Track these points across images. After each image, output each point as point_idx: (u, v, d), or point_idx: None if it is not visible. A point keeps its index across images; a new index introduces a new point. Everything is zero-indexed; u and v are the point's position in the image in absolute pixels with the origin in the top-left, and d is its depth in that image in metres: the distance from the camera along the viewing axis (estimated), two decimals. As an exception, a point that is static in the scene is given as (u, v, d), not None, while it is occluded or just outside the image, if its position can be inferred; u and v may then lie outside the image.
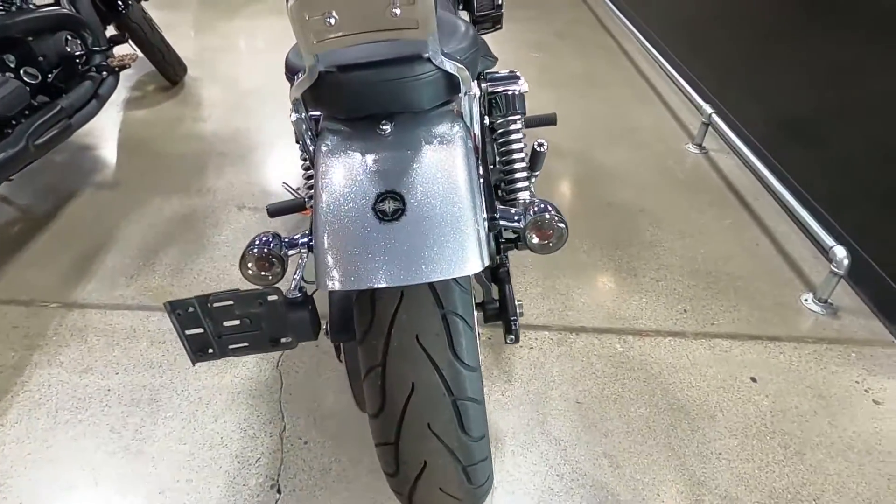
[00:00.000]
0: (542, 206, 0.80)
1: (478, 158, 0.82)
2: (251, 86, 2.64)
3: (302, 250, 0.83)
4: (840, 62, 1.83)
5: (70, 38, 1.73)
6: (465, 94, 0.77)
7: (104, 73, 1.79)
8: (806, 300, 1.72)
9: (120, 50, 2.06)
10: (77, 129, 1.69)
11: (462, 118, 0.79)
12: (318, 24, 0.66)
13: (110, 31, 2.10)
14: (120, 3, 2.07)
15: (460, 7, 1.53)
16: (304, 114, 0.80)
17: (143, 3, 2.26)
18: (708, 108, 2.37)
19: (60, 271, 1.62)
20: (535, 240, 0.79)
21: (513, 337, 0.98)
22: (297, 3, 0.64)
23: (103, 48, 1.82)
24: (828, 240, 1.70)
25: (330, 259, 0.71)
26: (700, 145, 2.45)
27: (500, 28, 1.63)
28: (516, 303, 1.01)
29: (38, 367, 1.36)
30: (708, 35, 2.63)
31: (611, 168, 2.28)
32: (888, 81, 1.63)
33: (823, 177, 1.89)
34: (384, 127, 0.74)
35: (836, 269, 1.64)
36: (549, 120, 1.54)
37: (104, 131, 2.25)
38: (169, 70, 2.38)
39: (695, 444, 1.30)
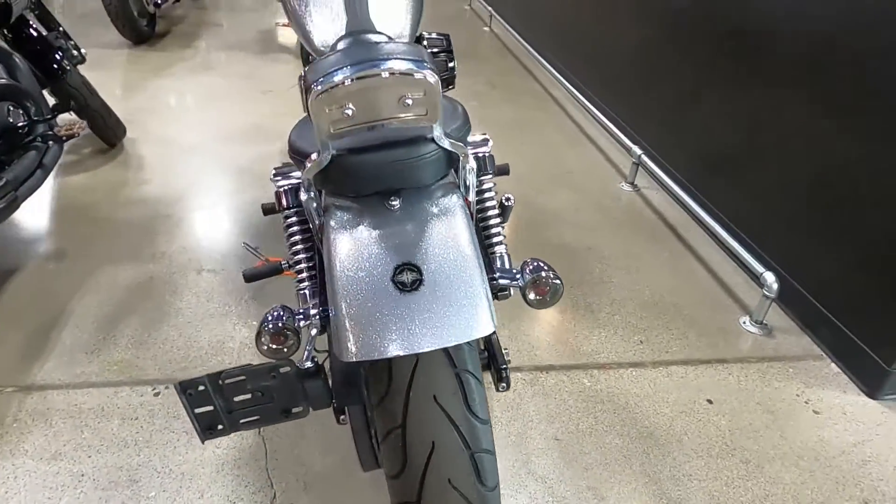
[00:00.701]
0: (537, 264, 0.88)
1: (476, 225, 0.89)
2: (189, 144, 2.62)
3: (314, 321, 0.86)
4: (755, 106, 2.06)
5: (11, 108, 1.68)
6: (463, 167, 0.85)
7: (49, 142, 1.74)
8: (744, 322, 1.88)
9: (63, 117, 2.01)
10: (23, 201, 1.63)
11: (458, 188, 0.86)
12: (337, 114, 0.71)
13: (52, 95, 2.04)
14: (58, 68, 2.03)
15: None
16: (313, 193, 0.84)
17: (78, 66, 2.22)
18: (637, 150, 2.58)
19: (13, 352, 1.53)
20: (533, 296, 0.86)
21: (504, 385, 1.04)
22: (318, 98, 0.69)
23: (47, 117, 1.77)
24: (758, 266, 1.88)
25: (351, 330, 0.75)
26: (632, 184, 2.64)
27: (453, 88, 1.73)
28: (503, 351, 1.07)
29: (1, 457, 1.28)
30: (632, 82, 2.86)
31: (554, 210, 2.42)
32: (797, 124, 1.86)
33: (747, 209, 2.09)
34: (393, 203, 0.80)
35: (767, 294, 1.82)
36: (504, 170, 1.65)
37: (41, 199, 2.17)
38: (109, 133, 2.33)
39: (668, 469, 1.39)
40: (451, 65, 1.63)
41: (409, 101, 0.72)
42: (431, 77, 0.70)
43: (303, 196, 0.84)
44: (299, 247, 1.15)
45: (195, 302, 1.74)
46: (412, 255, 0.76)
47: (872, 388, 1.65)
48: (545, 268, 0.86)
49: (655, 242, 2.26)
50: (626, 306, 1.91)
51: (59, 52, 2.07)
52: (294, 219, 1.15)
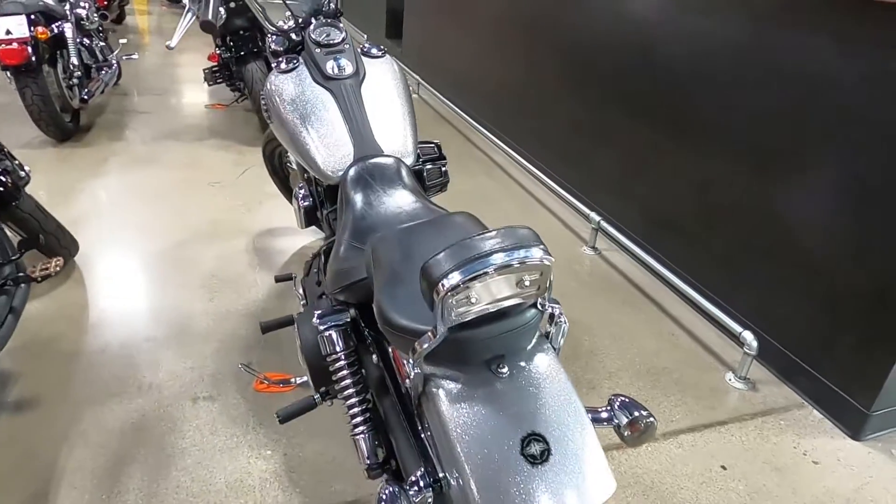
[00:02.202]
0: (624, 400, 0.92)
1: None
2: (147, 250, 2.50)
3: (426, 493, 0.85)
4: (707, 173, 2.25)
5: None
6: (557, 324, 0.88)
7: (21, 283, 1.60)
8: (730, 379, 2.02)
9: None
10: (-3, 353, 1.49)
11: (547, 342, 0.89)
12: (463, 303, 0.73)
13: (12, 228, 1.89)
14: (8, 195, 1.88)
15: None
16: (418, 369, 0.84)
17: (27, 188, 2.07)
18: (595, 216, 2.73)
19: (3, 531, 1.37)
20: (628, 433, 0.89)
21: None
22: (445, 290, 0.71)
23: (13, 258, 1.64)
24: (735, 326, 2.03)
25: (487, 510, 0.75)
26: (594, 247, 2.78)
27: (445, 191, 1.78)
28: None
29: None
30: (578, 148, 3.04)
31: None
32: (748, 186, 2.05)
33: (712, 269, 2.26)
34: (502, 370, 0.81)
35: (748, 351, 1.96)
36: None
37: (-9, 335, 1.97)
38: (64, 254, 2.17)
39: (708, 547, 1.45)
40: (444, 170, 1.68)
41: (528, 283, 0.75)
42: (549, 259, 0.74)
43: (412, 375, 0.84)
44: (351, 390, 1.14)
45: (199, 437, 1.63)
46: (535, 424, 0.78)
47: (855, 430, 1.81)
48: (636, 405, 0.91)
49: (630, 306, 2.38)
50: (623, 377, 2.00)
51: (6, 176, 1.93)
52: (344, 362, 1.14)
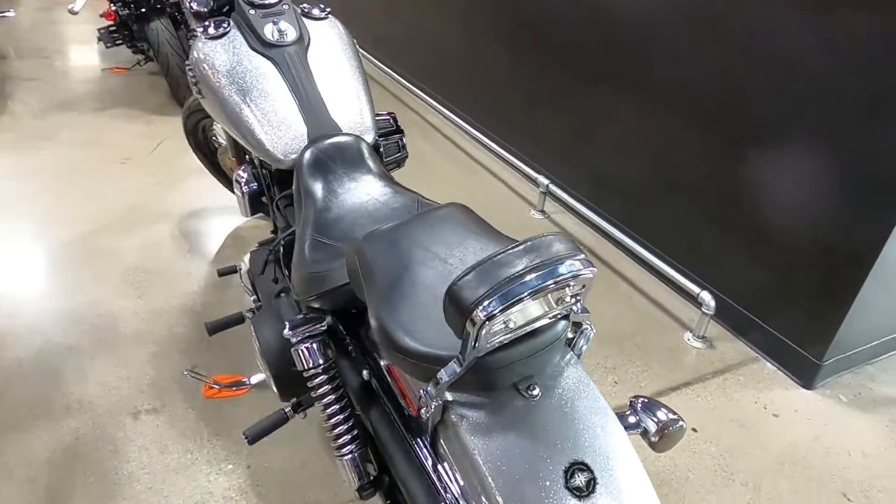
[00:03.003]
0: (647, 402, 0.86)
1: None
2: (60, 242, 2.20)
3: None
4: (658, 135, 2.22)
5: None
6: (583, 333, 0.80)
7: None
8: (688, 339, 2.05)
9: None
10: None
11: (570, 352, 0.81)
12: (500, 333, 0.63)
13: None
14: None
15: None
16: (441, 398, 0.72)
17: None
18: (544, 180, 2.66)
19: None
20: (657, 439, 0.84)
21: None
22: (482, 320, 0.60)
23: None
24: (693, 287, 2.05)
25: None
26: (542, 211, 2.73)
27: (402, 167, 1.64)
28: None
29: None
30: (520, 108, 2.94)
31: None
32: (698, 152, 2.04)
33: (663, 230, 2.27)
34: (533, 392, 0.72)
35: (706, 311, 1.99)
36: None
37: None
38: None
39: (691, 513, 1.47)
40: (402, 144, 1.54)
41: (569, 298, 0.65)
42: (593, 270, 0.65)
43: (431, 407, 0.73)
44: (335, 407, 1.02)
45: (147, 458, 1.46)
46: (577, 451, 0.69)
47: (807, 380, 1.89)
48: (661, 406, 0.85)
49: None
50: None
51: None
52: (324, 376, 1.02)
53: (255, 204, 1.51)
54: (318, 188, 1.18)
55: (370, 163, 1.24)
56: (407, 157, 1.59)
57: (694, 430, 1.71)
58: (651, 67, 2.16)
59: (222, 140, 2.17)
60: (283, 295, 1.33)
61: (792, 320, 1.90)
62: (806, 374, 1.89)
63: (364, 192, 1.18)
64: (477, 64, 3.20)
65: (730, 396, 1.83)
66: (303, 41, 1.37)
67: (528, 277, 0.60)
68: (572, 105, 2.59)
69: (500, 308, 0.59)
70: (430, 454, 0.85)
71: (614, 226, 2.42)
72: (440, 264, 0.81)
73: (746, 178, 1.91)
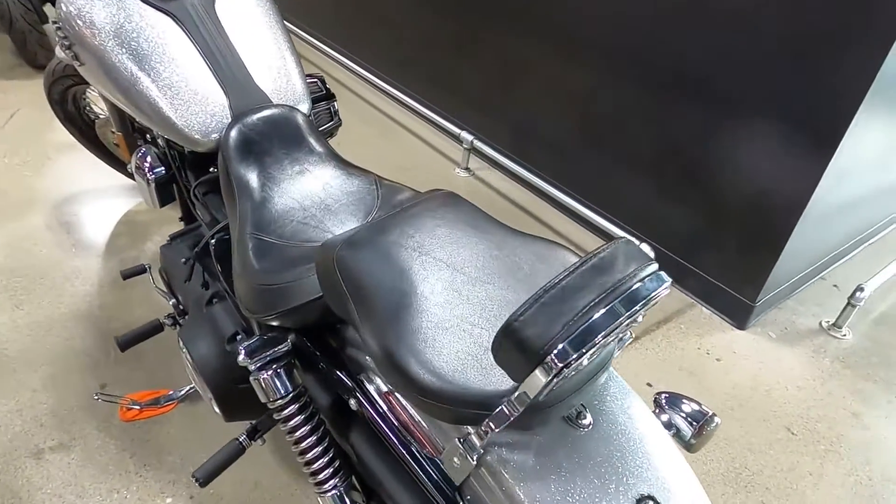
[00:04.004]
0: (670, 396, 0.79)
1: None
2: None
3: None
4: (580, 83, 2.14)
5: None
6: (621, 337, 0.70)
7: None
8: (629, 292, 2.06)
9: None
10: None
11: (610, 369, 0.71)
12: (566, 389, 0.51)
13: None
14: None
15: None
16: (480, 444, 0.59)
17: None
18: (468, 136, 2.53)
19: None
20: (694, 441, 0.77)
21: None
22: (559, 367, 0.47)
23: None
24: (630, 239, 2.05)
25: None
26: (467, 168, 2.61)
27: (334, 137, 1.44)
28: None
29: None
30: (441, 66, 2.76)
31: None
32: (623, 99, 1.99)
33: (594, 181, 2.23)
34: (584, 420, 0.61)
35: (646, 263, 2.00)
36: None
37: None
38: None
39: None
40: (334, 111, 1.35)
41: (641, 318, 0.54)
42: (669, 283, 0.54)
43: (473, 454, 0.59)
44: (312, 439, 0.87)
45: (62, 505, 1.23)
46: (641, 483, 0.60)
47: (741, 321, 1.96)
48: (690, 401, 0.78)
49: (516, 227, 2.29)
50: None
51: None
52: (293, 407, 0.86)
53: (166, 192, 1.26)
54: (252, 175, 0.98)
55: (312, 139, 1.05)
56: (340, 125, 1.39)
57: (649, 384, 1.72)
58: (568, 9, 2.06)
59: (100, 110, 1.82)
60: (215, 301, 1.12)
61: (725, 265, 1.95)
62: (740, 315, 1.96)
63: (311, 175, 0.99)
64: (382, 9, 2.94)
65: (675, 346, 1.87)
66: None
67: (609, 308, 0.49)
68: (490, 53, 2.45)
69: (582, 351, 0.47)
70: (448, 495, 0.73)
71: (544, 180, 2.36)
72: (449, 273, 0.67)
73: (675, 124, 1.90)
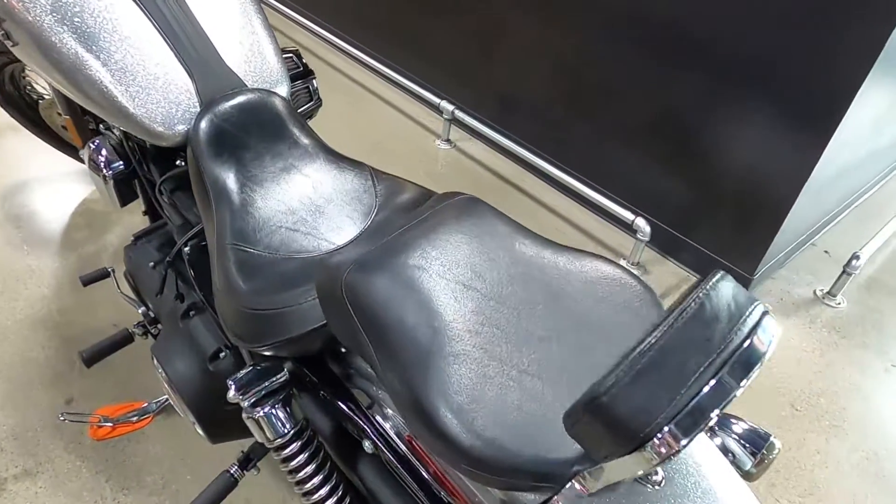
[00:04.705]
0: (730, 419, 0.71)
1: None
2: None
3: None
4: (569, 49, 2.01)
5: None
6: None
7: None
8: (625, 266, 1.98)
9: None
10: None
11: None
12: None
13: None
14: None
15: None
16: None
17: None
18: (449, 106, 2.39)
19: None
20: (755, 470, 0.69)
21: None
22: (666, 453, 0.38)
23: None
24: (627, 214, 1.96)
25: None
26: (448, 140, 2.48)
27: (313, 118, 1.30)
28: None
29: None
30: (415, 29, 2.58)
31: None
32: (616, 67, 1.88)
33: (584, 153, 2.13)
34: (656, 477, 0.52)
35: (641, 237, 1.93)
36: None
37: None
38: None
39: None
40: (314, 89, 1.21)
41: None
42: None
43: None
44: (318, 479, 0.77)
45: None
46: None
47: (738, 295, 1.91)
48: (745, 424, 0.70)
49: (506, 206, 2.19)
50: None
51: None
52: (295, 445, 0.75)
53: (127, 189, 1.11)
54: (229, 174, 0.84)
55: (295, 128, 0.91)
56: (321, 106, 1.25)
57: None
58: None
59: (44, 90, 1.62)
60: (192, 314, 1.00)
61: (723, 238, 1.89)
62: (737, 288, 1.91)
63: (297, 172, 0.87)
64: (349, -31, 2.73)
65: (674, 323, 1.81)
66: None
67: (722, 374, 0.39)
68: (468, 10, 2.29)
69: (697, 429, 0.38)
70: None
71: (531, 151, 2.24)
72: (484, 304, 0.56)
73: (671, 91, 1.80)
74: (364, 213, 0.84)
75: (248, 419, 0.73)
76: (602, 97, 1.99)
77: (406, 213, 0.83)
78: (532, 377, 0.51)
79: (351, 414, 0.74)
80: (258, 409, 0.72)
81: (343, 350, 0.76)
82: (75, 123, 1.41)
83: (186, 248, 0.93)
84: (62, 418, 1.24)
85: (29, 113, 1.71)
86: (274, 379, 0.74)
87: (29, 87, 1.65)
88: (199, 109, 0.90)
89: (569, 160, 2.17)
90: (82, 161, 1.53)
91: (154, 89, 0.89)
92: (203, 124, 0.86)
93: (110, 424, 1.28)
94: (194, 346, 0.97)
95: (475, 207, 0.66)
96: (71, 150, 1.80)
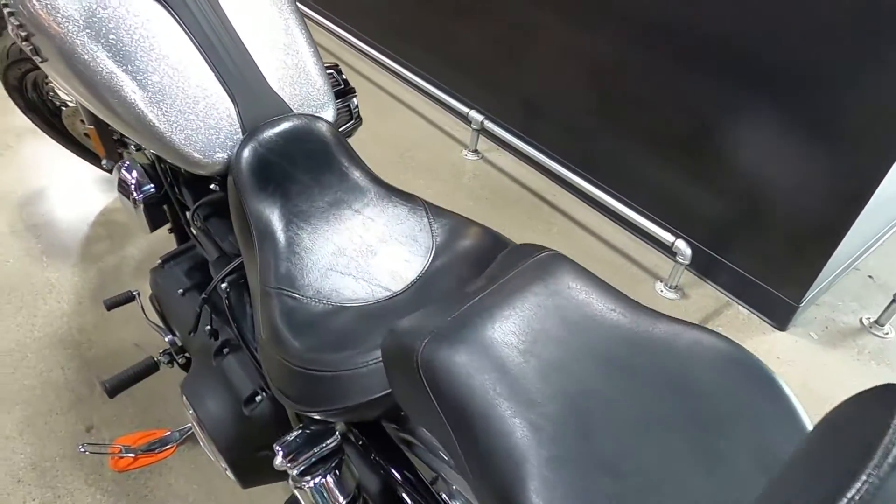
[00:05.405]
0: None
1: None
2: None
3: None
4: (602, 56, 1.93)
5: None
6: None
7: None
8: (661, 290, 1.91)
9: None
10: None
11: None
12: None
13: None
14: None
15: None
16: None
17: None
18: (478, 116, 2.32)
19: None
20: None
21: None
22: None
23: None
24: (667, 235, 1.88)
25: None
26: (475, 150, 2.41)
27: (351, 137, 1.23)
28: None
29: None
30: (442, 34, 2.51)
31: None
32: (651, 75, 1.79)
33: (615, 167, 2.05)
34: None
35: (681, 261, 1.84)
36: None
37: None
38: None
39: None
40: (354, 108, 1.14)
41: None
42: None
43: None
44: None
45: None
46: None
47: (781, 322, 1.83)
48: None
49: (538, 220, 2.12)
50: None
51: None
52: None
53: (157, 213, 1.04)
54: (274, 210, 0.77)
55: (343, 157, 0.84)
56: (360, 125, 1.18)
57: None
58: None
59: (68, 98, 1.57)
60: (227, 352, 0.93)
61: (766, 262, 1.80)
62: (781, 315, 1.82)
63: (347, 207, 0.80)
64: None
65: (716, 352, 1.73)
66: None
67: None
68: (497, 15, 2.21)
69: None
70: None
71: (560, 163, 2.16)
72: (590, 393, 0.49)
73: (710, 102, 1.71)
74: (421, 254, 0.77)
75: (296, 489, 0.67)
76: (637, 108, 1.90)
77: (466, 257, 0.76)
78: (651, 493, 0.44)
79: (411, 488, 0.66)
80: (307, 477, 0.66)
81: (403, 413, 0.69)
82: (99, 134, 1.35)
83: (223, 284, 0.86)
84: (83, 450, 1.18)
85: (51, 120, 1.66)
86: (325, 444, 0.67)
87: (52, 94, 1.59)
88: (240, 136, 0.83)
89: (600, 173, 2.09)
90: (104, 169, 1.47)
91: (193, 114, 0.82)
92: (246, 153, 0.79)
93: (132, 455, 1.22)
94: (228, 387, 0.90)
95: (563, 267, 0.58)
96: (93, 158, 1.74)
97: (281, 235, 0.76)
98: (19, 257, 1.62)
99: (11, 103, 1.64)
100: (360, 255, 0.76)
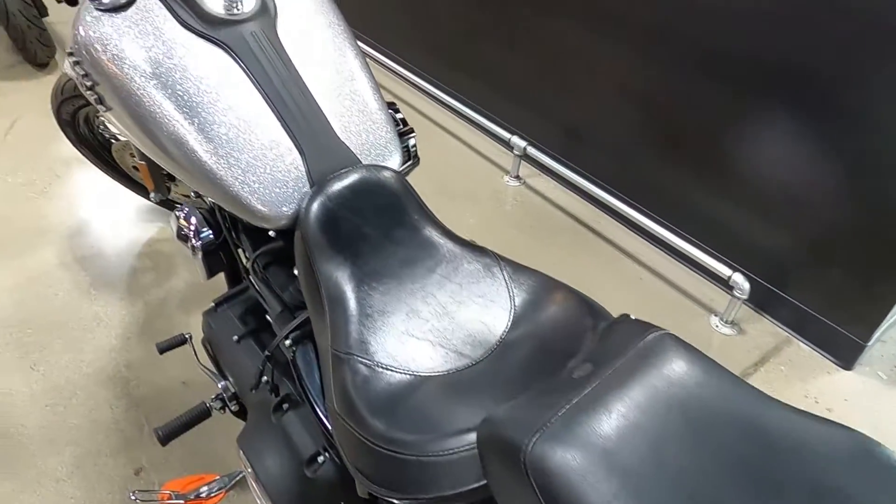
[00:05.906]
0: None
1: None
2: None
3: None
4: (651, 80, 1.87)
5: None
6: None
7: None
8: (716, 326, 1.83)
9: None
10: None
11: None
12: None
13: None
14: None
15: None
16: None
17: None
18: (520, 141, 2.27)
19: None
20: None
21: None
22: None
23: None
24: (724, 269, 1.80)
25: None
26: (517, 177, 2.36)
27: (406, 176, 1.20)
28: None
29: None
30: (484, 59, 2.48)
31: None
32: (701, 103, 1.73)
33: (667, 195, 1.98)
34: None
35: (739, 295, 1.76)
36: None
37: None
38: None
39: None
40: (413, 149, 1.10)
41: None
42: None
43: None
44: None
45: None
46: None
47: (847, 361, 1.73)
48: None
49: (581, 248, 2.06)
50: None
51: None
52: None
53: (214, 260, 1.02)
54: (345, 268, 0.74)
55: (413, 210, 0.80)
56: (418, 164, 1.14)
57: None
58: None
59: (118, 131, 1.57)
60: (287, 408, 0.90)
61: (831, 296, 1.71)
62: (847, 354, 1.73)
63: (421, 265, 0.76)
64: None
65: (779, 393, 1.64)
66: (268, 12, 0.86)
67: None
68: (539, 37, 2.17)
69: None
70: None
71: (605, 190, 2.10)
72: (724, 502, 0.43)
73: (770, 131, 1.64)
74: (500, 317, 0.72)
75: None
76: (683, 131, 1.84)
77: (549, 322, 0.71)
78: None
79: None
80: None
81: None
82: (149, 168, 1.35)
83: (287, 341, 0.83)
84: (133, 497, 1.15)
85: (101, 153, 1.66)
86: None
87: (102, 127, 1.60)
88: (308, 190, 0.80)
89: (648, 201, 2.03)
90: (152, 201, 1.46)
91: (260, 166, 0.79)
92: (315, 208, 0.76)
93: (181, 502, 1.19)
94: (289, 445, 0.86)
95: (677, 351, 0.53)
96: (141, 190, 1.74)
97: (352, 296, 0.72)
98: (68, 290, 1.62)
99: (58, 132, 1.65)
100: (436, 317, 0.71)
